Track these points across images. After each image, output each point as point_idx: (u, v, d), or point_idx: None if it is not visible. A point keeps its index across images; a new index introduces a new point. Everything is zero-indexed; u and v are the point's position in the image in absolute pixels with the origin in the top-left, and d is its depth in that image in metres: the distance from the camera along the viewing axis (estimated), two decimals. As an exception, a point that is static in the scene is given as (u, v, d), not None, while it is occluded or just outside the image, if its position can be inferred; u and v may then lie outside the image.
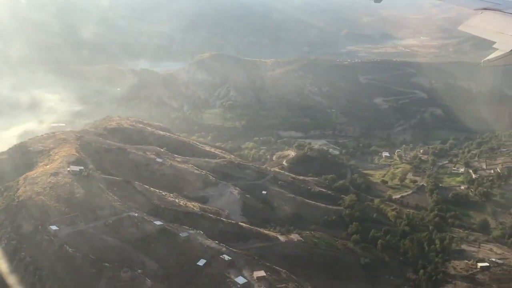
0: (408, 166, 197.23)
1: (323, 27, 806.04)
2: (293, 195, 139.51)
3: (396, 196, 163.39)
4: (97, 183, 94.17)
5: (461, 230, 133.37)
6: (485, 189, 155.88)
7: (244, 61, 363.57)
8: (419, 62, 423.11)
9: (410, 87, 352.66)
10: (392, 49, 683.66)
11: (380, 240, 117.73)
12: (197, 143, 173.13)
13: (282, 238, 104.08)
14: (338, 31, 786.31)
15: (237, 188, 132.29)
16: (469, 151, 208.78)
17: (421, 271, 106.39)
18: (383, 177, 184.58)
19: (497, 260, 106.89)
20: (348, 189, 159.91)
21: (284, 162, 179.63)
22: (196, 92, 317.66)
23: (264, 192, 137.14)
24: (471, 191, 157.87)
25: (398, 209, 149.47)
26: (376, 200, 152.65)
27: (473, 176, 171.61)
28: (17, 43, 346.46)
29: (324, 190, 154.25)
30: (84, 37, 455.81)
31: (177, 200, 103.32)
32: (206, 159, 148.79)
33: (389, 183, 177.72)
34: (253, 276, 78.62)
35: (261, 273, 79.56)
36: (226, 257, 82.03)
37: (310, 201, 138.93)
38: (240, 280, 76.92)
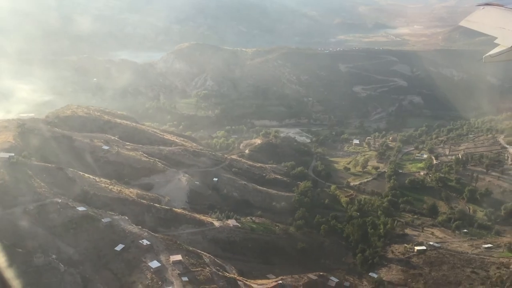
0: (374, 153, 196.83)
1: (316, 17, 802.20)
2: (245, 182, 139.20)
3: (355, 182, 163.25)
4: (25, 170, 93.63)
5: (410, 215, 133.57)
6: (442, 175, 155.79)
7: (224, 51, 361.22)
8: (402, 50, 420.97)
9: (390, 75, 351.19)
10: (383, 38, 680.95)
11: (323, 225, 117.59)
12: (158, 132, 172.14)
13: (217, 223, 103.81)
14: (331, 21, 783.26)
15: (187, 175, 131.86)
16: (436, 138, 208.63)
17: (359, 255, 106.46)
18: (348, 164, 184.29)
19: (435, 244, 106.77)
20: (306, 176, 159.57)
21: (246, 150, 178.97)
22: (174, 82, 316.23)
23: (215, 179, 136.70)
24: (429, 176, 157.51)
25: (354, 195, 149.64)
26: (333, 187, 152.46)
27: (434, 162, 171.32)
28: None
29: (280, 177, 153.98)
30: (68, 27, 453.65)
31: (111, 187, 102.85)
32: (160, 147, 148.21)
33: (352, 170, 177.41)
34: (169, 260, 78.46)
35: (178, 257, 79.35)
36: (145, 242, 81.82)
37: (262, 188, 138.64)
38: (154, 264, 76.79)
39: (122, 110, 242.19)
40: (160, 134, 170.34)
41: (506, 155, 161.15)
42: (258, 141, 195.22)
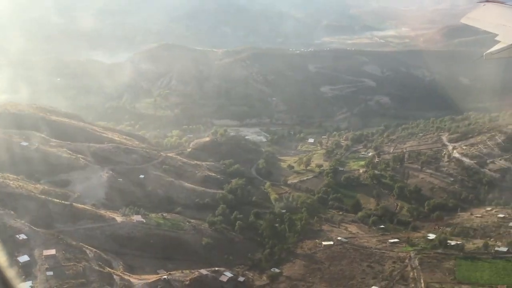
0: (323, 152, 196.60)
1: (304, 19, 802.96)
2: (173, 179, 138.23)
3: (294, 180, 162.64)
4: None
5: (335, 211, 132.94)
6: (378, 172, 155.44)
7: (194, 51, 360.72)
8: (373, 51, 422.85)
9: (360, 76, 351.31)
10: (367, 40, 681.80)
11: (238, 222, 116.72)
12: (98, 130, 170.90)
13: (120, 219, 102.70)
14: (318, 23, 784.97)
15: (110, 172, 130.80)
16: (387, 136, 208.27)
17: (266, 250, 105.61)
18: (294, 162, 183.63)
19: (343, 239, 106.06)
20: (242, 173, 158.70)
21: (188, 148, 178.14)
22: (139, 82, 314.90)
23: (141, 176, 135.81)
24: (365, 174, 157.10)
25: (287, 192, 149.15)
26: (267, 184, 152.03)
27: (376, 159, 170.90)
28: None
29: (214, 174, 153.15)
30: (44, 27, 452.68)
31: (11, 182, 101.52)
32: (91, 144, 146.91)
33: (296, 168, 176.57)
34: (42, 255, 77.38)
35: (51, 252, 78.29)
36: (22, 237, 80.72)
37: (189, 185, 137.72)
38: (23, 258, 75.72)
39: (81, 109, 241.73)
40: (101, 132, 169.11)
41: (444, 152, 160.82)
42: (207, 139, 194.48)
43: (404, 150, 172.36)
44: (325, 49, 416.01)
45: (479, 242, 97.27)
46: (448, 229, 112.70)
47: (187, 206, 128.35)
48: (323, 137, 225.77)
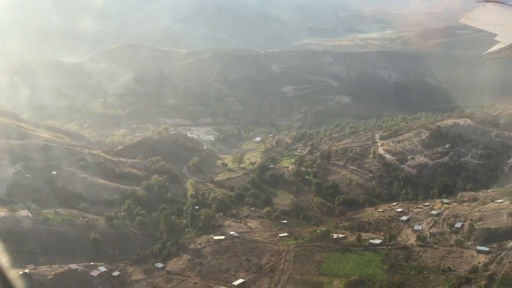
0: (263, 150, 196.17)
1: (289, 22, 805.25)
2: (86, 175, 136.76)
3: (222, 178, 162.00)
4: None
5: (246, 208, 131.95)
6: (304, 169, 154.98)
7: (158, 51, 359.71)
8: (341, 51, 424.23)
9: (323, 76, 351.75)
10: (347, 42, 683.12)
11: (137, 217, 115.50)
12: (27, 127, 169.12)
13: (3, 213, 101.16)
14: (303, 25, 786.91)
15: (20, 168, 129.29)
16: (330, 134, 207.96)
17: (156, 245, 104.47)
18: (230, 160, 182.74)
19: (234, 234, 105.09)
20: (168, 170, 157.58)
21: (119, 146, 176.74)
22: (98, 82, 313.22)
23: (54, 172, 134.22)
24: (292, 170, 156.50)
25: (210, 189, 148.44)
26: (189, 181, 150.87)
27: (308, 156, 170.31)
28: None
29: (135, 171, 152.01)
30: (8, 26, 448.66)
31: None
32: (9, 141, 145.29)
33: (229, 166, 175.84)
34: None
35: None
36: None
37: (102, 181, 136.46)
38: None
39: (33, 109, 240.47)
40: (30, 130, 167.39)
41: (371, 149, 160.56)
42: (140, 137, 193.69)
43: (337, 148, 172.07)
44: (291, 50, 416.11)
45: (366, 236, 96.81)
46: (347, 223, 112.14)
47: (95, 202, 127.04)
48: (269, 135, 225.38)
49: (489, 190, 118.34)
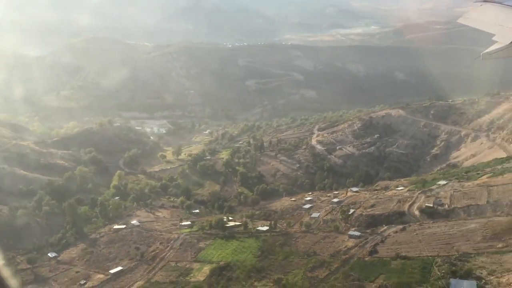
0: (207, 142, 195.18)
1: (272, 17, 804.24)
2: (5, 166, 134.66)
3: (156, 169, 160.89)
4: None
5: (167, 198, 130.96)
6: (237, 160, 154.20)
7: (123, 44, 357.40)
8: (309, 46, 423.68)
9: (289, 70, 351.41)
10: (328, 37, 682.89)
11: (44, 207, 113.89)
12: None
13: None
14: (287, 21, 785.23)
15: None
16: (277, 126, 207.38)
17: (57, 235, 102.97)
18: (169, 152, 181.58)
19: (136, 223, 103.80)
20: (99, 162, 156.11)
21: (55, 138, 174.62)
22: (59, 75, 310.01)
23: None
24: (222, 161, 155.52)
25: (139, 180, 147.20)
26: (118, 172, 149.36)
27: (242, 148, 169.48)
28: None
29: (62, 162, 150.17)
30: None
31: None
32: None
33: (168, 158, 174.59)
34: None
35: None
36: None
37: (22, 172, 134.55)
38: None
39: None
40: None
41: (306, 140, 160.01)
42: (77, 129, 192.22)
43: (276, 139, 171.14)
44: (259, 44, 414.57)
45: (260, 223, 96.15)
46: (257, 212, 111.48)
47: (10, 192, 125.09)
48: (220, 128, 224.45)
49: (403, 179, 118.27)
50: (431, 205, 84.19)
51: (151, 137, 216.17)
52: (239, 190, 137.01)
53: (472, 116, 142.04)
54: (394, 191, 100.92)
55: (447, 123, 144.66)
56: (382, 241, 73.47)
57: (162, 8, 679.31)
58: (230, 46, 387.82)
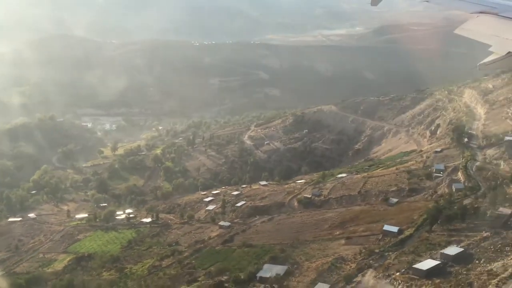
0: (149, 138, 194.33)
1: (257, 17, 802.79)
2: None
3: (87, 164, 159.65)
4: None
5: (84, 192, 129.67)
6: (168, 155, 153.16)
7: (88, 41, 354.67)
8: (277, 45, 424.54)
9: (255, 68, 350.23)
10: (310, 38, 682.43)
11: None
12: None
13: None
14: (271, 21, 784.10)
15: None
16: (225, 123, 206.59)
17: None
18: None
19: (32, 216, 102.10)
20: (29, 156, 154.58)
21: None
22: (20, 71, 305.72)
23: None
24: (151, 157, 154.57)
25: (67, 175, 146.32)
26: (43, 167, 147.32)
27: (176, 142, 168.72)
28: None
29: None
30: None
31: None
32: None
33: (105, 153, 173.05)
34: None
35: None
36: None
37: None
38: None
39: None
40: None
41: (241, 135, 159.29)
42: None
43: (211, 134, 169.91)
44: (227, 42, 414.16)
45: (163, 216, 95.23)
46: (163, 205, 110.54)
47: None
48: (174, 124, 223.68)
49: (315, 174, 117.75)
50: (309, 196, 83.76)
51: (99, 133, 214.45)
52: (162, 184, 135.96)
53: (397, 112, 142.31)
54: (293, 184, 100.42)
55: (373, 119, 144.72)
56: (243, 231, 72.78)
57: (146, 6, 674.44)
58: (197, 44, 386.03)
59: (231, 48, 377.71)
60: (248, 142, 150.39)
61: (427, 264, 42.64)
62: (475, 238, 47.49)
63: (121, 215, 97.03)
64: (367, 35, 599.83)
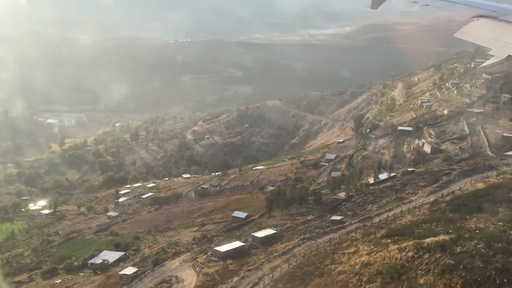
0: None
1: (247, 17, 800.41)
2: None
3: (30, 159, 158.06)
4: None
5: (13, 186, 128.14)
6: (114, 149, 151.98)
7: (62, 38, 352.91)
8: (253, 43, 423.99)
9: (228, 66, 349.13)
10: (296, 37, 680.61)
11: None
12: None
13: None
14: (259, 21, 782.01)
15: None
16: (180, 119, 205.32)
17: None
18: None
19: None
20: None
21: None
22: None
23: None
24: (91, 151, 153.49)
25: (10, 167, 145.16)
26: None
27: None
28: None
29: None
30: None
31: None
32: None
33: (53, 149, 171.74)
34: None
35: None
36: None
37: None
38: None
39: None
40: None
41: (186, 132, 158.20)
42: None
43: (155, 129, 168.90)
44: (202, 40, 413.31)
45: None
46: (83, 198, 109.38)
47: None
48: (130, 120, 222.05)
49: (243, 167, 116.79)
50: (206, 187, 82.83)
51: (56, 129, 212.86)
52: (96, 178, 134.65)
53: (336, 106, 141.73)
54: (207, 177, 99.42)
55: (314, 113, 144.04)
56: (124, 220, 72.26)
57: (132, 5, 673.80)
58: (172, 42, 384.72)
59: (206, 46, 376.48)
60: (190, 136, 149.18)
61: (226, 246, 41.80)
62: (300, 221, 46.71)
63: (32, 207, 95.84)
64: (351, 34, 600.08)
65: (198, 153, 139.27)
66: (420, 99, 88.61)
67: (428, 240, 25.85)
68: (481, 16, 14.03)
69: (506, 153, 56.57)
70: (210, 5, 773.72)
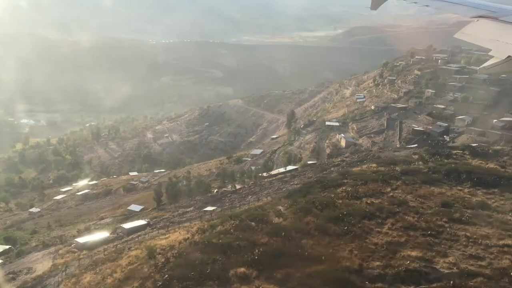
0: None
1: (239, 19, 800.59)
2: None
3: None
4: None
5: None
6: (72, 148, 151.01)
7: (43, 39, 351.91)
8: (237, 44, 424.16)
9: (210, 67, 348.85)
10: (286, 39, 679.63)
11: None
12: None
13: None
14: (253, 22, 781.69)
15: None
16: (150, 118, 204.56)
17: None
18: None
19: None
20: None
21: None
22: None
23: None
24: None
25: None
26: None
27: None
28: None
29: None
30: None
31: None
32: None
33: (17, 148, 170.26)
34: None
35: None
36: None
37: None
38: None
39: None
40: None
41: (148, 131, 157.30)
42: None
43: (115, 128, 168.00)
44: (185, 41, 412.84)
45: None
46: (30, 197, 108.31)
47: None
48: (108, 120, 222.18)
49: (193, 164, 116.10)
50: (134, 183, 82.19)
51: (26, 129, 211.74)
52: (51, 177, 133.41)
53: (295, 104, 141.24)
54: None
55: (273, 112, 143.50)
56: (40, 216, 71.00)
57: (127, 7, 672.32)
58: (153, 43, 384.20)
59: (188, 47, 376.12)
60: (149, 135, 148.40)
61: (87, 238, 41.09)
62: (179, 212, 46.03)
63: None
64: (339, 36, 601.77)
65: (155, 152, 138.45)
66: (356, 95, 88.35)
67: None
68: (481, 16, 13.83)
69: (408, 145, 56.09)
70: (206, 8, 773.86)
